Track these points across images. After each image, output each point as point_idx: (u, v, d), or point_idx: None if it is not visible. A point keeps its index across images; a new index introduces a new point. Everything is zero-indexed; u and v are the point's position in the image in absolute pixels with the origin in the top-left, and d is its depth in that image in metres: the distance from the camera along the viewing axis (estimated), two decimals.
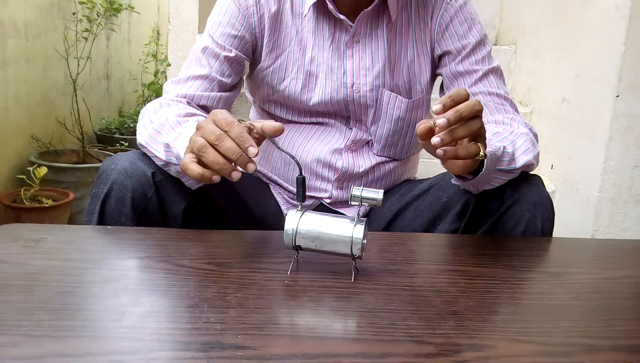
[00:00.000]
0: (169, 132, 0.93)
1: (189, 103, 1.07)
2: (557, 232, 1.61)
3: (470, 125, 0.77)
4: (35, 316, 0.60)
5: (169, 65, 1.70)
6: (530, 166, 0.99)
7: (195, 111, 1.03)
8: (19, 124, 2.69)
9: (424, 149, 0.89)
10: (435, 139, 0.76)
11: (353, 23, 1.09)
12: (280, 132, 0.81)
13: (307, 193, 1.18)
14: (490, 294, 0.75)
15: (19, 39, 2.65)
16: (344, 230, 0.73)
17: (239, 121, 0.79)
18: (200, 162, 0.79)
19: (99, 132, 3.41)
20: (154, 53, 3.87)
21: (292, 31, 1.11)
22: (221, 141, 0.76)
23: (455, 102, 0.76)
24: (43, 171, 2.34)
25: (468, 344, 0.61)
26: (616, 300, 0.76)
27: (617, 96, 1.35)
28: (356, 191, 0.72)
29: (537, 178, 1.02)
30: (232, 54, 1.10)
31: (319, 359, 0.56)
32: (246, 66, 1.16)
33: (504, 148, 0.92)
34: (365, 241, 0.75)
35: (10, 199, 2.34)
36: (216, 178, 0.79)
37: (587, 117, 1.49)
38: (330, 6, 1.07)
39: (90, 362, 0.52)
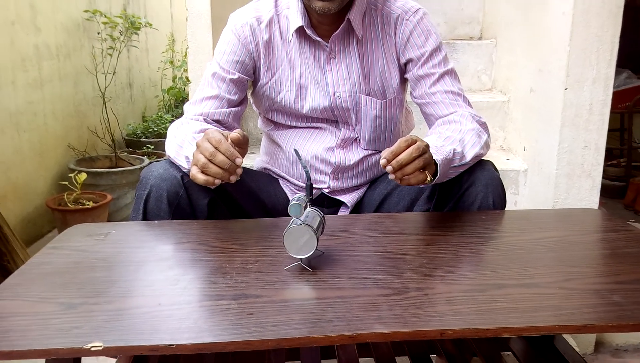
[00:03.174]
0: (188, 146, 1.20)
1: (205, 120, 1.34)
2: (527, 204, 1.89)
3: (414, 165, 1.03)
4: (116, 285, 0.90)
5: (189, 81, 1.99)
6: (479, 156, 1.25)
7: (208, 126, 1.30)
8: (57, 136, 3.01)
9: None
10: (391, 176, 1.03)
11: (328, 43, 1.35)
12: (239, 139, 1.07)
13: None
14: (440, 254, 1.02)
15: (52, 60, 2.96)
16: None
17: (225, 136, 1.07)
18: (204, 171, 1.07)
19: (126, 138, 3.72)
20: (171, 60, 4.17)
21: (282, 53, 1.37)
22: (214, 156, 1.04)
23: (395, 154, 1.03)
24: (83, 176, 2.65)
25: (415, 287, 0.89)
26: (532, 253, 1.02)
27: (566, 89, 1.60)
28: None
29: (489, 163, 1.28)
30: (236, 76, 1.36)
31: (312, 301, 0.84)
32: (249, 84, 1.43)
33: (454, 150, 1.17)
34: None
35: (56, 203, 2.66)
36: (217, 182, 1.07)
37: (546, 106, 1.75)
38: (308, 31, 1.33)
39: (159, 311, 0.81)
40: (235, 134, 1.08)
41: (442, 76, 1.34)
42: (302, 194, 0.99)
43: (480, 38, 2.66)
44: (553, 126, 1.67)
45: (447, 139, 1.21)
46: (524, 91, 1.97)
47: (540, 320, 0.79)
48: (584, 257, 1.02)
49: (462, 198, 1.25)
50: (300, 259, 0.95)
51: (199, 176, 1.07)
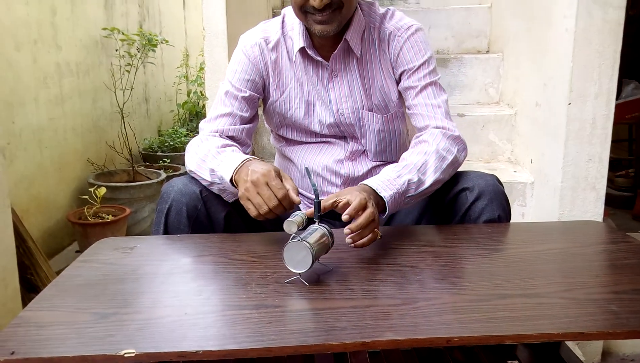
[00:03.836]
0: (212, 160, 1.28)
1: (220, 136, 1.41)
2: (534, 216, 1.94)
3: (369, 228, 1.08)
4: (144, 296, 0.97)
5: (206, 98, 2.07)
6: (440, 181, 1.29)
7: (227, 142, 1.37)
8: (76, 151, 3.11)
9: None
10: (348, 240, 1.07)
11: (329, 63, 1.41)
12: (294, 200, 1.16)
13: (321, 197, 1.51)
14: (447, 266, 1.08)
15: (72, 77, 3.06)
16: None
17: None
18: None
19: (143, 152, 3.82)
20: (186, 75, 4.27)
21: (290, 72, 1.44)
22: (275, 209, 1.15)
23: (357, 211, 1.07)
24: (103, 191, 2.74)
25: (423, 297, 0.95)
26: (534, 264, 1.08)
27: (570, 103, 1.65)
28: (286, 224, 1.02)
29: (494, 177, 1.34)
30: (247, 94, 1.43)
31: (327, 310, 0.90)
32: (259, 101, 1.50)
33: (409, 180, 1.21)
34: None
35: (76, 216, 2.75)
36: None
37: (551, 120, 1.80)
38: (309, 52, 1.39)
39: (186, 320, 0.88)
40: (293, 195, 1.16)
41: (424, 87, 1.38)
42: (301, 212, 1.05)
43: (487, 51, 2.72)
44: (558, 140, 1.73)
45: (405, 168, 1.25)
46: (530, 104, 2.03)
47: (540, 328, 0.85)
48: (584, 268, 1.08)
49: (468, 211, 1.31)
50: (299, 273, 1.00)
51: (253, 214, 1.17)
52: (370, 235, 1.08)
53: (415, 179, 1.24)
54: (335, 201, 1.11)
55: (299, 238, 0.99)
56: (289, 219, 1.01)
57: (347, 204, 1.09)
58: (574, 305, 0.92)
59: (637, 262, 1.08)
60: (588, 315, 0.89)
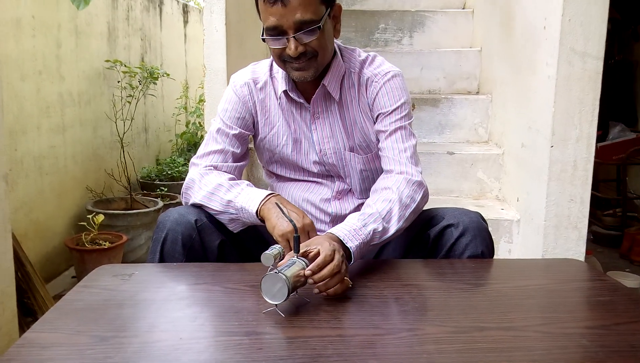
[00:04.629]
0: (226, 192, 1.36)
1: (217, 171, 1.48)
2: (519, 253, 2.00)
3: (336, 279, 1.11)
4: (141, 321, 1.02)
5: (205, 131, 2.14)
6: (401, 229, 1.34)
7: (231, 175, 1.44)
8: (75, 179, 3.17)
9: None
10: (315, 290, 1.11)
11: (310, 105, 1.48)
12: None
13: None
14: (430, 299, 1.14)
15: (74, 107, 3.15)
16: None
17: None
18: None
19: (141, 180, 3.88)
20: (185, 106, 4.36)
21: (278, 111, 1.51)
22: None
23: (320, 268, 1.10)
24: (100, 218, 2.79)
25: (406, 328, 1.01)
26: (513, 300, 1.14)
27: (552, 146, 1.73)
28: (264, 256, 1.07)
29: (478, 215, 1.40)
30: (237, 132, 1.49)
31: (314, 338, 0.96)
32: (249, 138, 1.55)
33: (374, 230, 1.26)
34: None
35: (73, 242, 2.80)
36: None
37: (535, 161, 1.88)
38: (291, 95, 1.46)
39: (181, 345, 0.93)
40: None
41: (394, 131, 1.44)
42: (279, 245, 1.11)
43: (477, 93, 2.82)
44: (541, 180, 1.80)
45: (371, 216, 1.29)
46: (516, 145, 2.11)
47: (514, 359, 0.90)
48: (560, 304, 1.14)
49: (453, 247, 1.37)
50: (275, 304, 1.04)
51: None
52: (337, 286, 1.11)
53: (380, 228, 1.28)
54: (306, 251, 1.14)
55: (276, 270, 1.04)
56: (267, 252, 1.06)
57: (318, 254, 1.13)
58: (548, 339, 0.98)
59: (610, 300, 1.14)
60: (560, 348, 0.94)
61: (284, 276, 1.02)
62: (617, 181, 3.70)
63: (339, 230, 1.24)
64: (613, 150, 3.47)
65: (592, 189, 1.76)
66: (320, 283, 1.09)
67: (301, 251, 1.13)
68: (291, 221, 1.15)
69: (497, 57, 2.53)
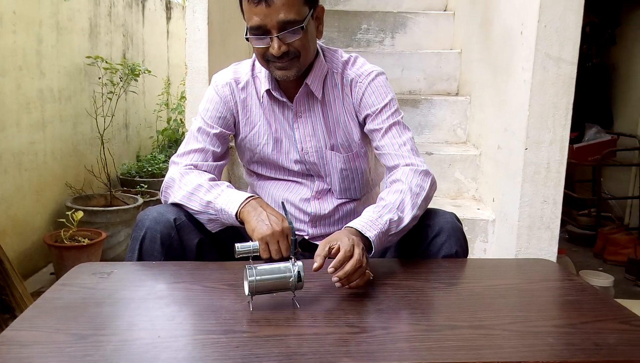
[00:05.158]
0: (206, 193, 1.38)
1: (197, 170, 1.49)
2: (495, 252, 2.04)
3: (359, 273, 1.15)
4: (120, 319, 1.03)
5: (186, 129, 2.15)
6: (417, 217, 1.38)
7: (211, 175, 1.46)
8: (55, 175, 3.15)
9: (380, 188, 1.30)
10: (337, 284, 1.14)
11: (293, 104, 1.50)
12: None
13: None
14: (405, 298, 1.17)
15: (54, 103, 3.12)
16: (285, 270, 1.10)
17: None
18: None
19: (121, 176, 3.86)
20: (167, 103, 4.35)
21: (259, 110, 1.53)
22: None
23: (342, 263, 1.14)
24: (80, 215, 2.78)
25: (380, 326, 1.03)
26: (484, 299, 1.17)
27: (526, 149, 1.78)
28: (237, 247, 1.12)
29: (453, 215, 1.44)
30: (218, 131, 1.51)
31: (290, 336, 0.98)
32: (230, 137, 1.57)
33: (390, 219, 1.29)
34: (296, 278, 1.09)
35: (52, 239, 2.78)
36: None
37: (510, 162, 1.92)
38: (274, 93, 1.48)
39: (159, 343, 0.95)
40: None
41: (389, 128, 1.47)
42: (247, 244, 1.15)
43: (457, 94, 2.87)
44: (515, 182, 1.85)
45: (385, 208, 1.33)
46: (493, 146, 2.16)
47: (484, 357, 0.94)
48: (529, 303, 1.17)
49: (428, 246, 1.40)
50: (249, 296, 1.08)
51: (264, 256, 1.31)
52: (358, 280, 1.16)
53: (396, 218, 1.32)
54: (329, 248, 1.18)
55: (250, 266, 1.07)
56: (242, 244, 1.13)
57: (339, 250, 1.16)
58: (516, 337, 1.01)
59: (577, 299, 1.19)
60: (527, 346, 0.98)
61: (253, 272, 1.06)
62: (593, 181, 3.78)
63: (356, 223, 1.28)
64: (588, 151, 3.54)
65: (568, 189, 1.80)
66: (344, 279, 1.13)
67: (324, 249, 1.17)
68: (290, 222, 1.17)
69: (476, 60, 2.57)
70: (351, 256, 1.15)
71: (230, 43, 2.46)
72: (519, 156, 1.82)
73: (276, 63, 1.37)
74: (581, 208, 3.84)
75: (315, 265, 1.15)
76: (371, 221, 1.29)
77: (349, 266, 1.13)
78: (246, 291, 1.07)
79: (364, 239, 1.25)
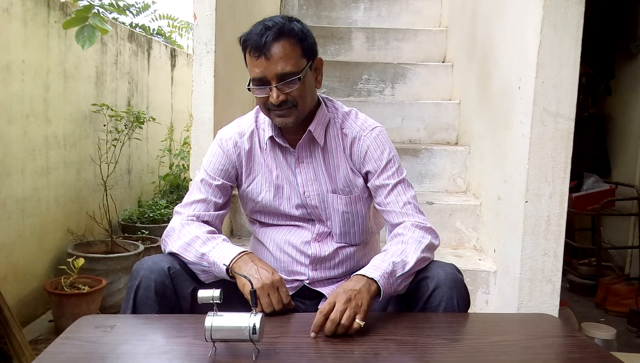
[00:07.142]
0: (202, 245, 1.42)
1: (197, 221, 1.53)
2: (496, 304, 2.04)
3: (346, 315, 1.23)
4: None
5: (190, 179, 2.18)
6: (423, 259, 1.42)
7: (212, 229, 1.51)
8: (57, 221, 3.16)
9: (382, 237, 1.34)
10: (328, 333, 1.22)
11: (295, 150, 1.55)
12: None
13: (291, 277, 1.59)
14: (408, 354, 1.17)
15: (58, 149, 3.17)
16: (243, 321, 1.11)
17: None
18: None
19: (122, 222, 3.87)
20: (169, 148, 4.40)
21: (261, 159, 1.58)
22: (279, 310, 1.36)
23: (326, 316, 1.23)
24: (81, 262, 2.78)
25: None
26: (487, 356, 1.17)
27: (526, 201, 1.80)
28: (199, 293, 1.14)
29: (453, 267, 1.45)
30: (220, 183, 1.57)
31: None
32: (232, 189, 1.61)
33: (393, 262, 1.36)
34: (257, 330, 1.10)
35: (52, 286, 2.77)
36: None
37: (511, 214, 1.94)
38: (277, 140, 1.54)
39: None
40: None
41: (395, 186, 1.53)
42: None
43: (456, 143, 2.91)
44: (516, 234, 1.86)
45: (388, 253, 1.40)
46: (493, 197, 2.18)
47: None
48: (531, 360, 1.17)
49: (429, 299, 1.40)
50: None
51: (267, 311, 1.36)
52: (353, 326, 1.23)
53: (399, 260, 1.37)
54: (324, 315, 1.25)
55: (211, 314, 1.11)
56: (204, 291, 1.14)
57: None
58: None
59: (580, 357, 1.18)
60: None
61: (207, 322, 1.10)
62: (592, 230, 3.78)
63: (361, 270, 1.36)
64: (588, 201, 3.57)
65: (568, 238, 1.80)
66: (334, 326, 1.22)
67: (325, 309, 1.24)
68: (246, 277, 1.24)
69: (474, 111, 2.62)
70: (330, 311, 1.24)
71: (235, 92, 2.52)
72: (519, 208, 1.85)
73: (276, 111, 1.45)
74: (581, 256, 3.83)
75: (312, 335, 1.22)
76: (374, 265, 1.36)
77: (326, 329, 1.22)
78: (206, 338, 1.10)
79: (371, 282, 1.31)
